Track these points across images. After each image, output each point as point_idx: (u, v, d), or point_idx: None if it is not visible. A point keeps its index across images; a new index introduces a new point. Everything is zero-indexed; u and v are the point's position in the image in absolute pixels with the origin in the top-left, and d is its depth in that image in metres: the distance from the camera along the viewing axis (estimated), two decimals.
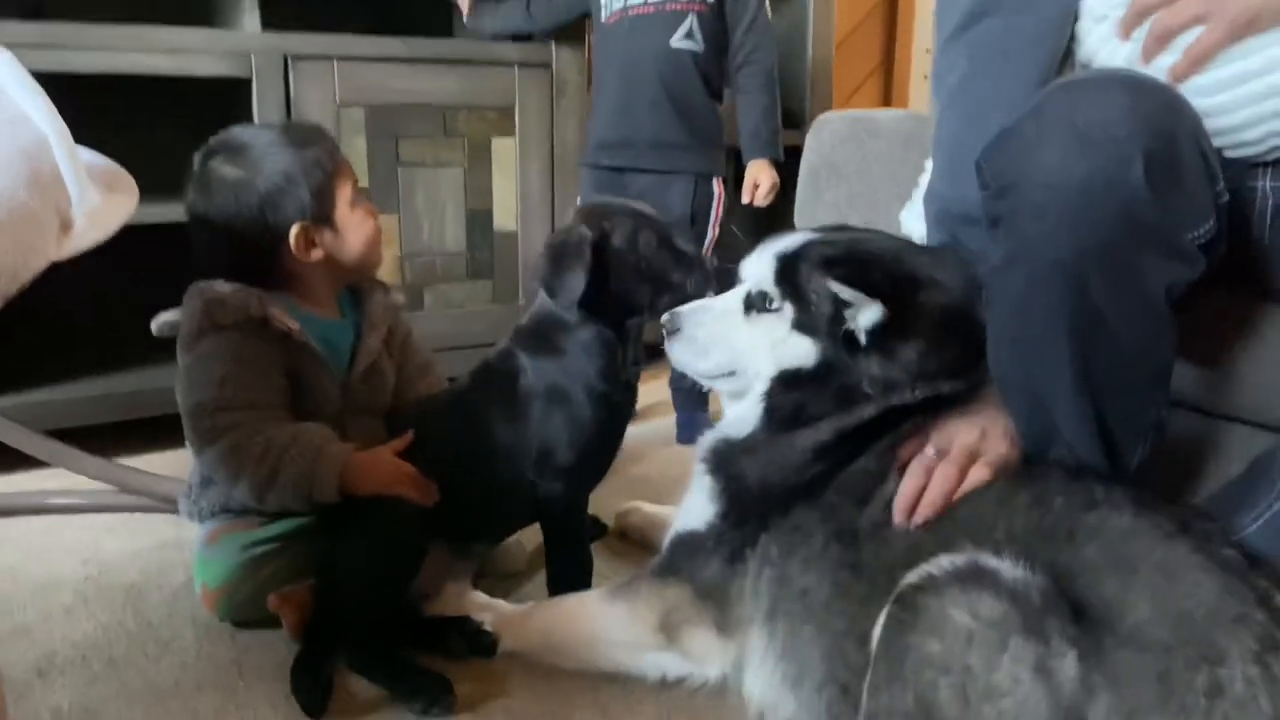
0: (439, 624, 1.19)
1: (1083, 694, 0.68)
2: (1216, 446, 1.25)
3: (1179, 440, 1.27)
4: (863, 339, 1.04)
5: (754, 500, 1.05)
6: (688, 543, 1.09)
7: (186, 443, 1.29)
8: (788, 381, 1.09)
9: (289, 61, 1.85)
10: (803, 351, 1.08)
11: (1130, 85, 0.93)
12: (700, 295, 1.23)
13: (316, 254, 1.29)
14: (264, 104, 1.84)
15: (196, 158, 1.31)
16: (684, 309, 1.19)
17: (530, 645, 1.17)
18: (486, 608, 1.23)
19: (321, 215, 1.28)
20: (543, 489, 1.26)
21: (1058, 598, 0.75)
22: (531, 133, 2.11)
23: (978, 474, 0.97)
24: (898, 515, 0.95)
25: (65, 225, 0.80)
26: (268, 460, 1.17)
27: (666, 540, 1.14)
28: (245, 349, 1.21)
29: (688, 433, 1.97)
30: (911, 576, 0.80)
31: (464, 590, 1.26)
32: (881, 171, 1.63)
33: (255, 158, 1.26)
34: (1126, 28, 1.03)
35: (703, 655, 1.08)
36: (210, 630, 1.24)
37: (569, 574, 1.28)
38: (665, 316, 1.18)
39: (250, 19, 1.88)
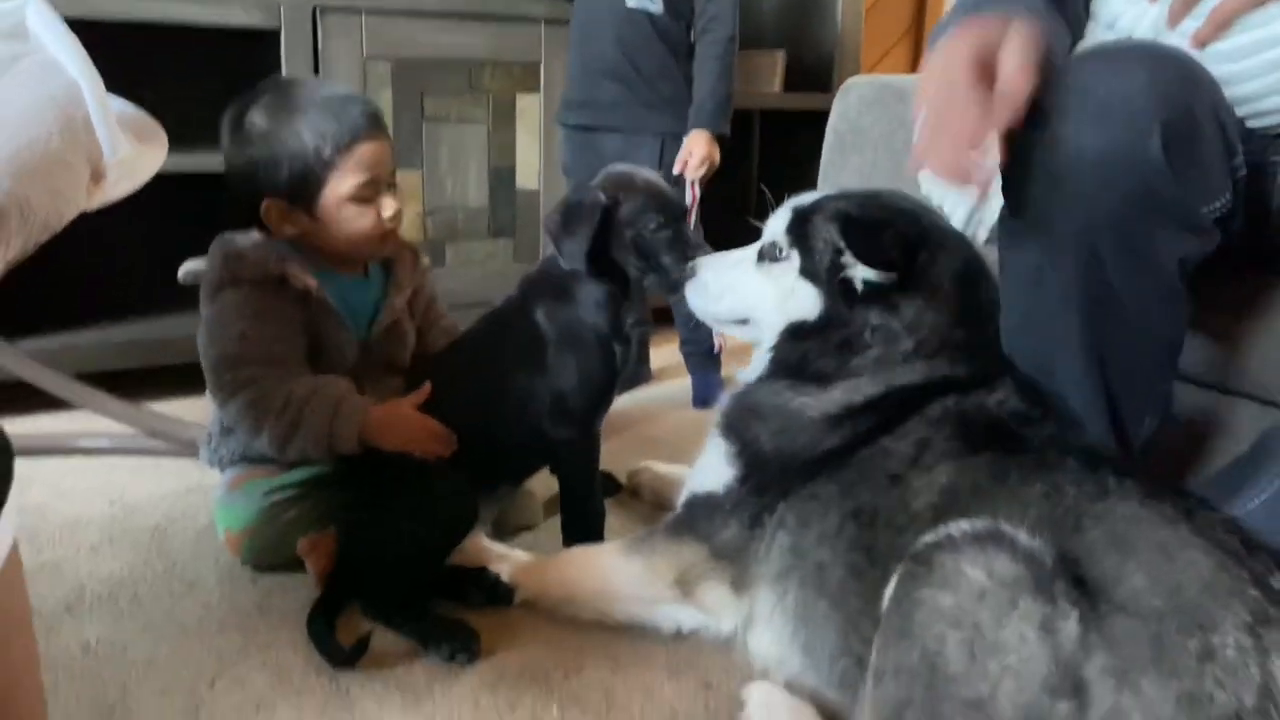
0: (457, 574, 1.22)
1: (1081, 653, 0.70)
2: (1227, 423, 1.25)
3: (1191, 416, 1.28)
4: (859, 286, 1.06)
5: (771, 467, 1.07)
6: (705, 503, 1.11)
7: (208, 392, 1.32)
8: (795, 332, 1.11)
9: (317, 13, 1.85)
10: (808, 299, 1.10)
11: (1149, 58, 0.92)
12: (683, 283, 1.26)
13: (289, 230, 1.27)
14: (291, 56, 1.85)
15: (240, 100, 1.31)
16: (703, 258, 1.23)
17: (546, 596, 1.19)
18: (503, 558, 1.25)
19: (296, 198, 1.25)
20: (555, 434, 1.29)
21: (1066, 564, 0.76)
22: (556, 90, 2.11)
23: None
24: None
25: (97, 175, 0.81)
26: (288, 413, 1.19)
27: (683, 498, 1.16)
28: (264, 304, 1.23)
29: (702, 395, 1.99)
30: (929, 536, 0.81)
31: (481, 541, 1.28)
32: (907, 137, 1.61)
33: (269, 121, 1.25)
34: None
35: (716, 609, 1.10)
36: (232, 573, 1.28)
37: (582, 522, 1.32)
38: (687, 265, 1.23)
39: None
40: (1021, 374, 1.04)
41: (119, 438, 1.65)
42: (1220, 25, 0.99)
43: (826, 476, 1.02)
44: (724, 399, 1.18)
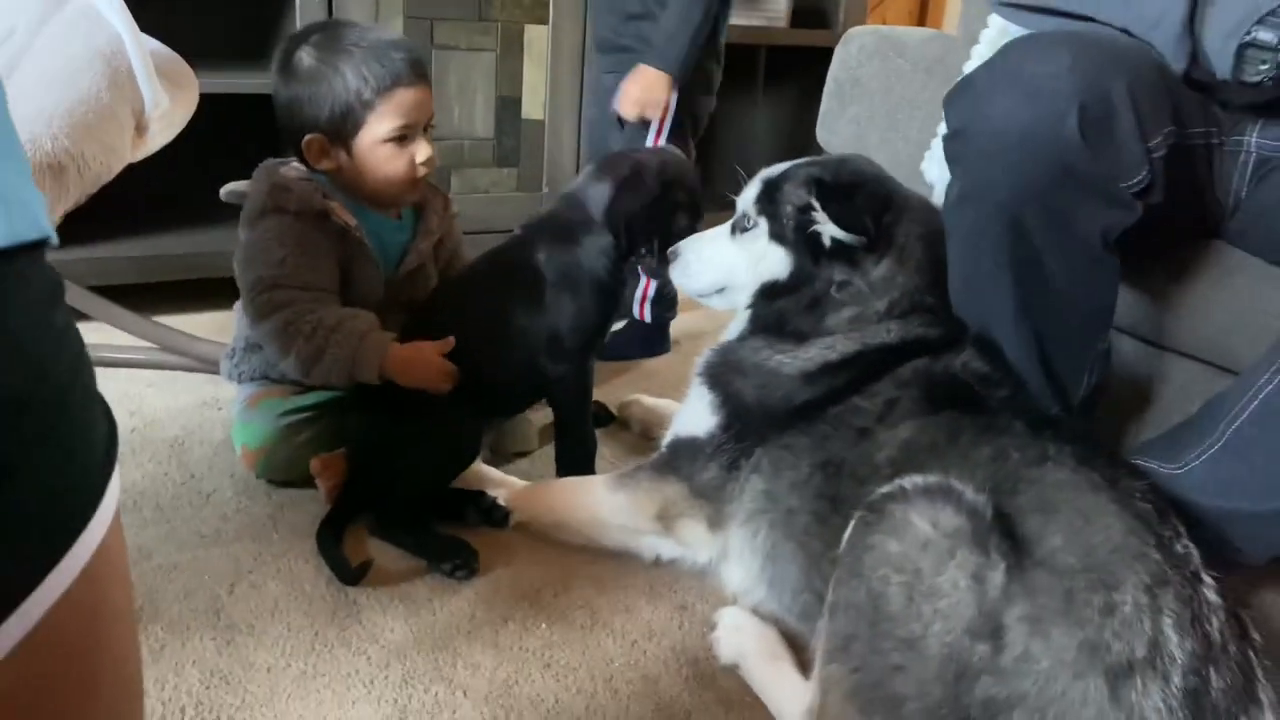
0: (456, 496, 1.31)
1: (1003, 602, 0.79)
2: (1168, 376, 1.34)
3: (1135, 370, 1.37)
4: (826, 243, 1.14)
5: (751, 417, 1.15)
6: (688, 446, 1.19)
7: (236, 308, 1.40)
8: (768, 292, 1.20)
9: None
10: (777, 261, 1.19)
11: (1076, 43, 1.00)
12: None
13: (327, 165, 1.34)
14: None
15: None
16: (683, 241, 1.33)
17: (538, 521, 1.29)
18: (500, 483, 1.35)
19: (336, 136, 1.32)
20: (551, 369, 1.37)
21: (1002, 520, 0.85)
22: (564, 23, 2.13)
23: None
24: None
25: (140, 128, 0.86)
26: (316, 339, 1.25)
27: (666, 439, 1.25)
28: (306, 235, 1.29)
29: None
30: (886, 487, 0.90)
31: (480, 467, 1.37)
32: (904, 91, 1.67)
33: (316, 60, 1.30)
34: None
35: (693, 543, 1.20)
36: (248, 486, 1.37)
37: (575, 453, 1.41)
38: (670, 250, 1.33)
39: None
40: (981, 335, 1.12)
41: (137, 350, 1.72)
42: None
43: (801, 428, 1.10)
44: (707, 353, 1.26)
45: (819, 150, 2.44)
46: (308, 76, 1.30)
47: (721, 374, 1.20)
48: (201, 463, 1.43)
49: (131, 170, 2.05)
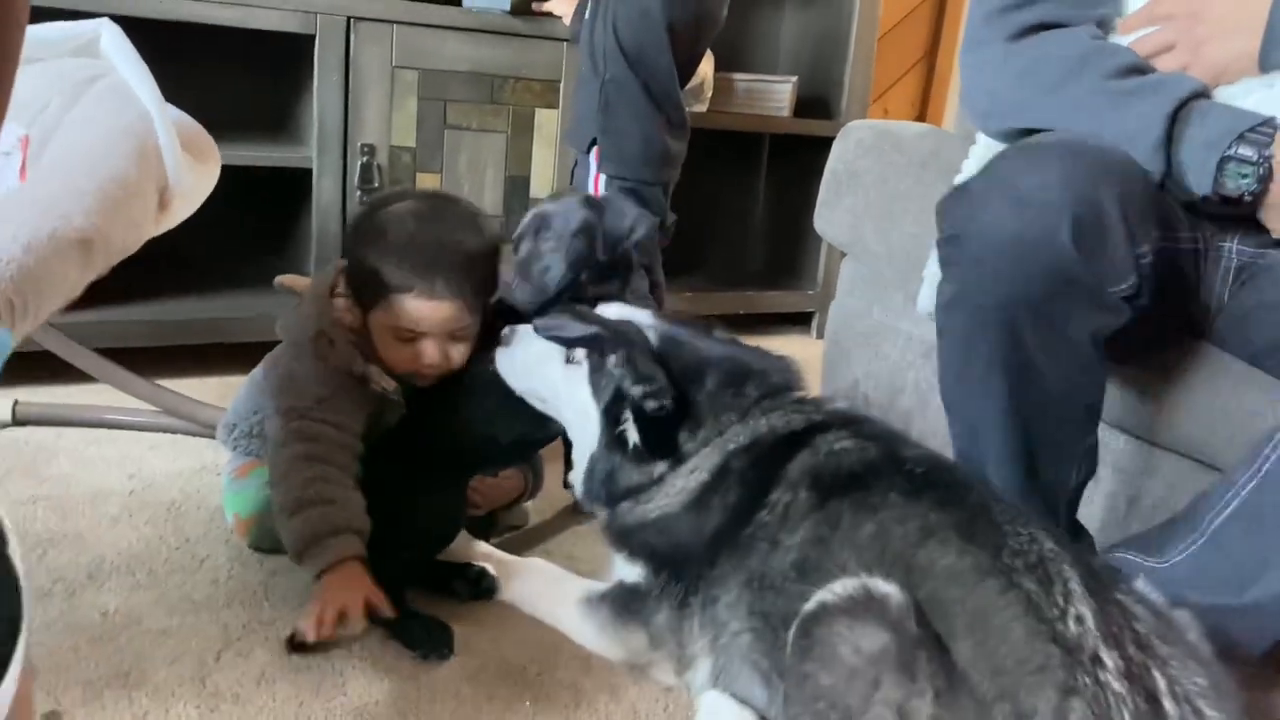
0: (444, 568, 1.32)
1: None
2: (1157, 472, 1.36)
3: (1125, 465, 1.39)
4: (632, 437, 1.15)
5: (674, 558, 1.13)
6: (634, 593, 1.17)
7: (247, 381, 1.44)
8: (598, 454, 1.18)
9: (351, 22, 1.94)
10: (592, 420, 1.18)
11: (1066, 153, 1.04)
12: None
13: (349, 316, 1.31)
14: (324, 61, 1.94)
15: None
16: (523, 328, 1.26)
17: (520, 605, 1.29)
18: (488, 557, 1.36)
19: (359, 303, 1.30)
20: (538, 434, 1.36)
21: (923, 618, 0.86)
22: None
23: None
24: None
25: (164, 203, 0.90)
26: (306, 492, 1.21)
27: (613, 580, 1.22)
28: (346, 385, 1.27)
29: None
30: (810, 604, 0.90)
31: (469, 539, 1.38)
32: (899, 185, 1.71)
33: (382, 219, 1.30)
34: None
35: (665, 679, 1.18)
36: (241, 552, 1.38)
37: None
38: (505, 329, 1.27)
39: None
40: (840, 405, 1.16)
41: (139, 413, 1.74)
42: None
43: (725, 553, 1.08)
44: (601, 521, 1.24)
45: (817, 241, 2.49)
46: (369, 228, 1.30)
47: (619, 533, 1.19)
48: (197, 527, 1.44)
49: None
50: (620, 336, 1.15)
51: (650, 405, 1.12)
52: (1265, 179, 1.05)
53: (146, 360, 1.87)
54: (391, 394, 1.30)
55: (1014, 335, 1.06)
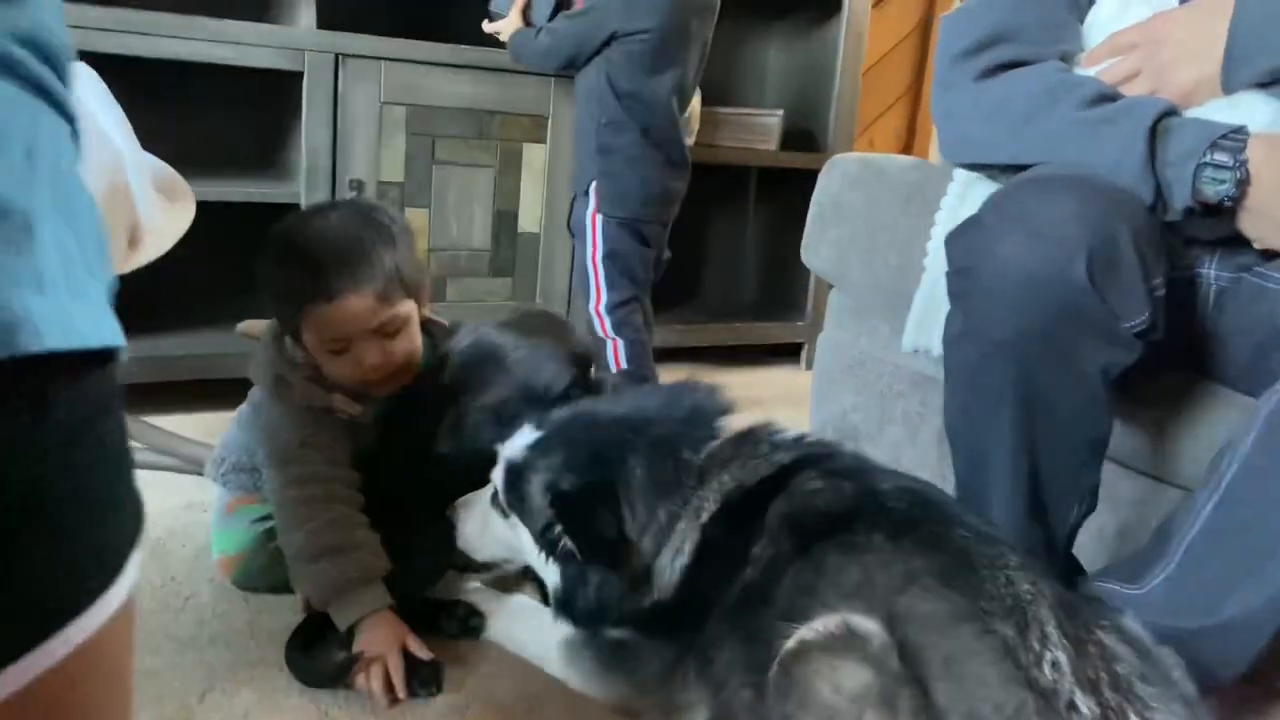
0: (433, 604, 1.32)
1: None
2: (1160, 509, 1.35)
3: (1127, 501, 1.38)
4: (569, 546, 1.10)
5: (664, 630, 1.10)
6: (621, 643, 1.14)
7: (235, 416, 1.43)
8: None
9: (339, 60, 1.96)
10: (550, 568, 1.14)
11: (1081, 187, 1.04)
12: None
13: (303, 355, 1.29)
14: (313, 98, 1.96)
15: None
16: (461, 502, 1.27)
17: (508, 644, 1.28)
18: (476, 594, 1.35)
19: (289, 334, 1.29)
20: None
21: (907, 657, 0.85)
22: (563, 142, 2.22)
23: None
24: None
25: (133, 242, 0.90)
26: (324, 538, 1.20)
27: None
28: (318, 420, 1.28)
29: None
30: (791, 642, 0.89)
31: (458, 575, 1.38)
32: (883, 218, 1.72)
33: (275, 257, 1.26)
34: None
35: None
36: (227, 591, 1.37)
37: None
38: (450, 507, 1.27)
39: (306, 16, 1.99)
40: (792, 437, 1.15)
41: None
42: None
43: (715, 616, 1.05)
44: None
45: (805, 273, 2.50)
46: (261, 262, 1.26)
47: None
48: (182, 566, 1.43)
49: (133, 272, 2.11)
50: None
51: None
52: (1242, 183, 1.05)
53: (134, 397, 1.86)
54: (361, 419, 1.30)
55: (1025, 369, 1.05)
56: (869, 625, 0.86)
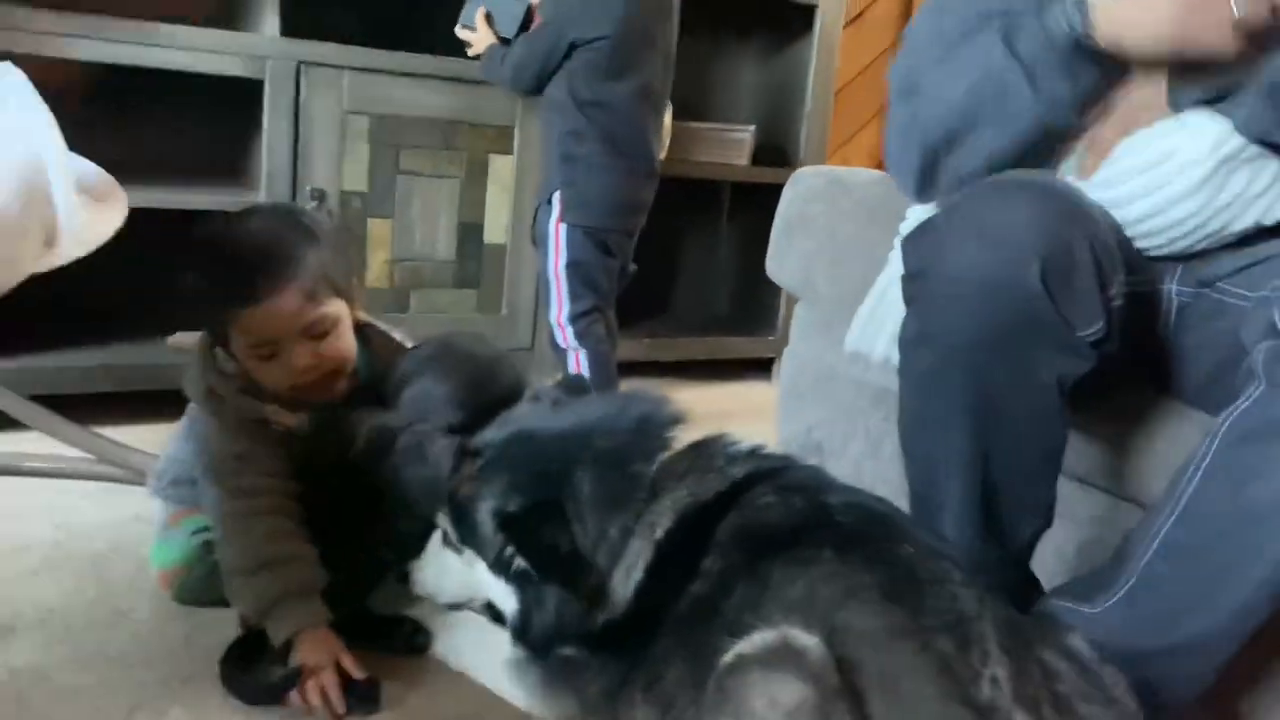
0: (378, 620, 1.28)
1: None
2: (1120, 526, 1.33)
3: (1086, 519, 1.36)
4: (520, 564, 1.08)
5: (613, 645, 1.08)
6: (568, 661, 1.11)
7: (176, 429, 1.39)
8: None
9: (301, 68, 1.94)
10: (509, 597, 1.11)
11: (1036, 193, 1.02)
12: None
13: (234, 366, 1.28)
14: (274, 107, 1.93)
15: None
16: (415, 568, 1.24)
17: (453, 660, 1.25)
18: (423, 610, 1.31)
19: (220, 344, 1.27)
20: None
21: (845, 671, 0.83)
22: (529, 153, 2.20)
23: None
24: None
25: (49, 241, 0.88)
26: (262, 550, 1.18)
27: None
28: (255, 431, 1.25)
29: None
30: (728, 655, 0.86)
31: (405, 591, 1.34)
32: (848, 231, 1.71)
33: (221, 244, 1.25)
34: None
35: None
36: (166, 606, 1.33)
37: None
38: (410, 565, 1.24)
39: (270, 23, 1.96)
40: (744, 449, 1.12)
41: (69, 461, 1.69)
42: (1100, 154, 1.09)
43: (665, 630, 1.03)
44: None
45: (778, 288, 2.49)
46: (184, 273, 1.24)
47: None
48: (122, 579, 1.39)
49: (82, 281, 2.07)
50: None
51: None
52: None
53: (90, 407, 1.82)
54: (297, 429, 1.27)
55: (978, 377, 1.03)
56: (807, 640, 0.84)
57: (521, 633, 1.11)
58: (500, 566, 1.10)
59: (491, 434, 1.16)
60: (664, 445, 1.14)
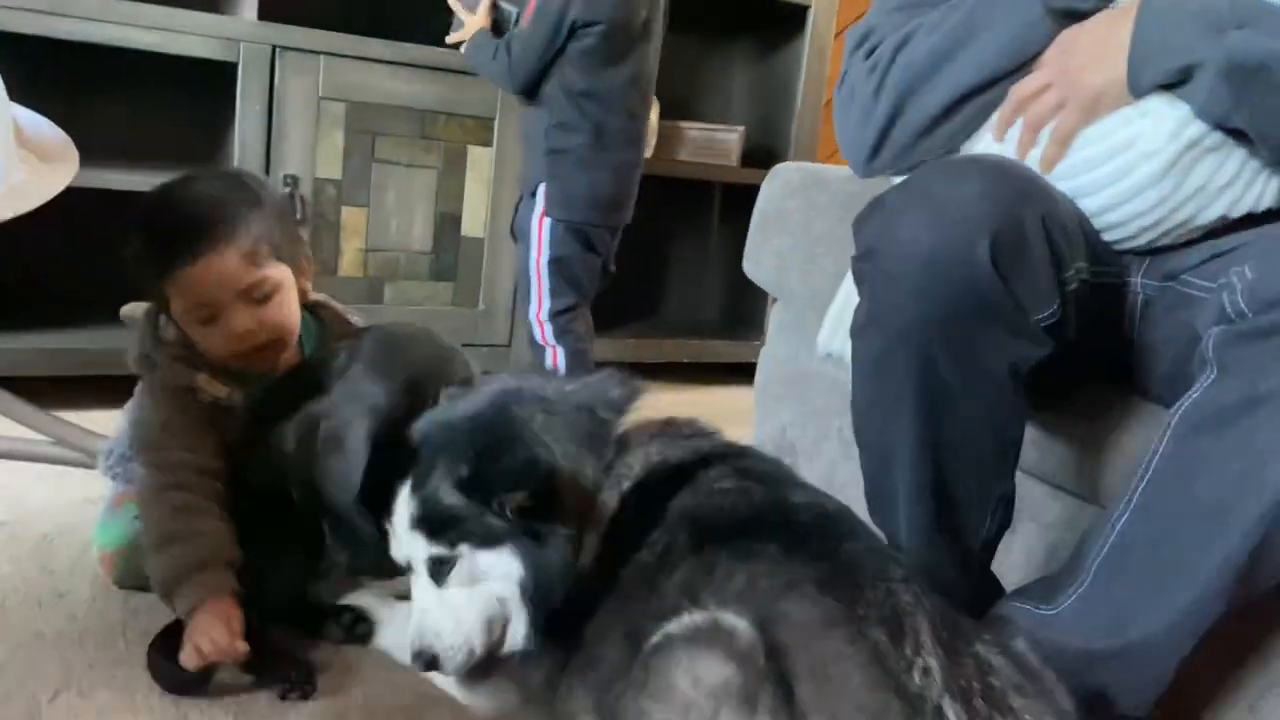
0: (319, 609, 1.25)
1: None
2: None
3: (1053, 522, 1.33)
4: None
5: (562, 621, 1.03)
6: (514, 654, 1.07)
7: (125, 409, 1.38)
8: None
9: (276, 52, 1.92)
10: (507, 565, 1.03)
11: (989, 170, 0.99)
12: None
13: (173, 332, 1.26)
14: (247, 91, 1.91)
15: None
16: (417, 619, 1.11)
17: (394, 652, 1.21)
18: (367, 600, 1.28)
19: (160, 307, 1.25)
20: None
21: (774, 657, 0.80)
22: (509, 145, 2.17)
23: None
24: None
25: None
26: (171, 525, 1.16)
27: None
28: (183, 403, 1.23)
29: None
30: (656, 635, 0.84)
31: (351, 580, 1.31)
32: (823, 226, 1.68)
33: (137, 235, 1.22)
34: (1001, 129, 1.09)
35: None
36: (106, 589, 1.30)
37: None
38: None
39: (248, 6, 1.95)
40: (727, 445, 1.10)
41: (26, 443, 1.67)
42: (1061, 143, 1.06)
43: (605, 600, 1.00)
44: None
45: (765, 291, 2.46)
46: (128, 237, 1.22)
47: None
48: (65, 561, 1.36)
49: (45, 264, 2.05)
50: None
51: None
52: None
53: (54, 391, 1.80)
54: (225, 401, 1.24)
55: (928, 360, 0.99)
56: (737, 622, 0.81)
57: (536, 590, 1.02)
58: (492, 539, 1.02)
59: (425, 419, 1.12)
60: (631, 402, 1.11)
